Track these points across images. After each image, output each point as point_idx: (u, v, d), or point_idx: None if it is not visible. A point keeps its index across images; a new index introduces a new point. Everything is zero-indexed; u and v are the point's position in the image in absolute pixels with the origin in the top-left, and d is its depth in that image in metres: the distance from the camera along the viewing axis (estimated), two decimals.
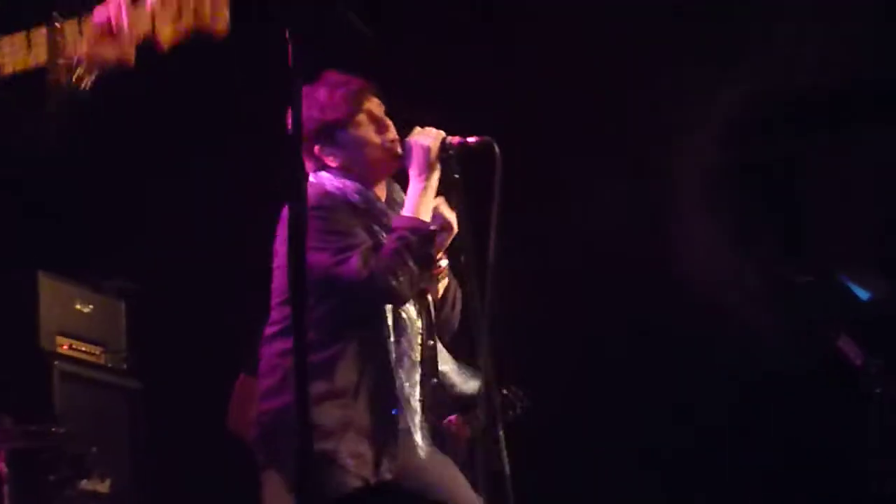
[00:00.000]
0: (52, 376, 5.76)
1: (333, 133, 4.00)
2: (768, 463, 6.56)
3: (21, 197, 6.21)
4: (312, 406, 3.69)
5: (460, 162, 3.95)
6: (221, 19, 3.03)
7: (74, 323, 6.01)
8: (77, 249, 6.37)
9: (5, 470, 4.94)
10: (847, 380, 5.55)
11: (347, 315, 3.88)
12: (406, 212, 3.93)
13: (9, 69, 3.04)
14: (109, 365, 6.16)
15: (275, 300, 3.98)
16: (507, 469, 3.76)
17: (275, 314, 3.97)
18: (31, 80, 3.06)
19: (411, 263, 3.81)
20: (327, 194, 3.94)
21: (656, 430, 6.51)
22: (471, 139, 3.95)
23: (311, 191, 3.91)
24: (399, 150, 4.01)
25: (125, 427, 6.13)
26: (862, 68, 6.36)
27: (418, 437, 3.95)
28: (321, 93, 4.01)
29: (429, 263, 3.90)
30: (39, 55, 3.03)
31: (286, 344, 3.80)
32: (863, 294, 5.90)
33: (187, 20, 2.98)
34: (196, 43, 2.91)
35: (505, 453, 3.76)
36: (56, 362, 5.81)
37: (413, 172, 3.95)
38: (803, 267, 5.35)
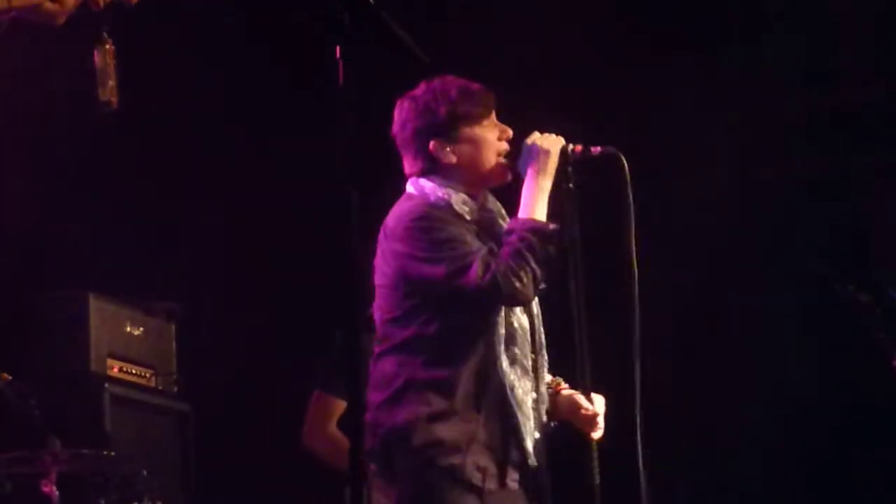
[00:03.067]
0: (102, 399, 5.76)
1: (458, 128, 3.91)
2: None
3: (73, 219, 6.23)
4: (436, 422, 3.76)
5: (578, 171, 3.89)
6: None
7: (125, 345, 6.01)
8: (127, 272, 6.37)
9: (56, 493, 4.92)
10: None
11: (466, 328, 3.83)
12: (522, 213, 3.85)
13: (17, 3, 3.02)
14: (160, 387, 6.16)
15: (382, 317, 3.92)
16: (598, 479, 3.79)
17: (383, 332, 3.91)
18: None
19: (533, 264, 3.74)
20: (432, 204, 3.87)
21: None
22: (594, 148, 3.90)
23: (412, 202, 3.90)
24: (503, 168, 3.95)
25: (175, 450, 6.12)
26: None
27: (529, 445, 3.89)
28: (452, 88, 3.94)
29: (549, 263, 3.81)
30: None
31: (399, 360, 3.82)
32: None
33: None
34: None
35: (597, 464, 3.78)
36: (106, 385, 5.81)
37: (529, 174, 3.88)
38: (860, 285, 5.28)
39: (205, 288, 6.64)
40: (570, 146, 3.90)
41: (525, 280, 3.73)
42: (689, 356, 6.50)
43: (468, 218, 3.88)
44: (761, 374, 6.44)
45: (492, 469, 3.81)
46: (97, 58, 3.07)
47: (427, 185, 3.92)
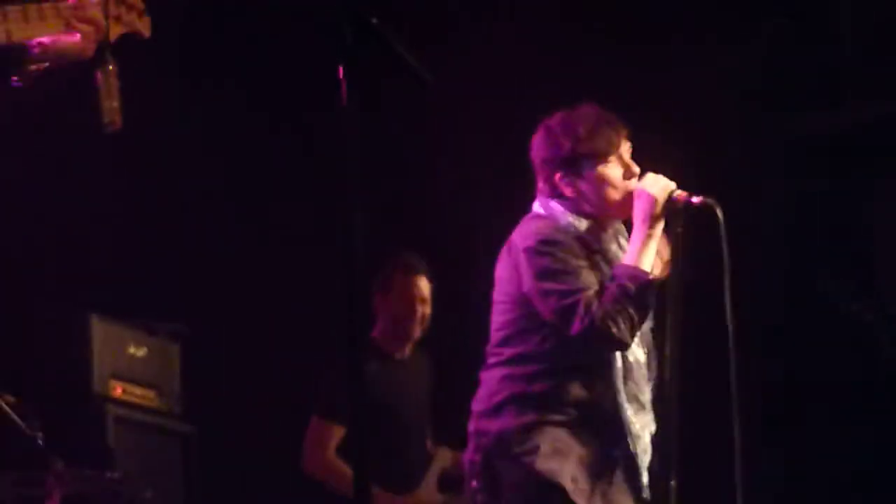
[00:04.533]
0: (105, 420, 5.74)
1: (581, 164, 4.01)
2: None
3: (75, 239, 6.22)
4: (533, 431, 3.87)
5: (683, 217, 3.96)
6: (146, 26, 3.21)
7: (128, 366, 5.98)
8: (130, 292, 6.36)
9: None
10: None
11: (575, 352, 3.92)
12: (627, 260, 3.95)
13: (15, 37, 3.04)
14: (163, 409, 6.13)
15: (497, 332, 4.04)
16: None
17: (496, 346, 4.04)
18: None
19: (631, 311, 3.83)
20: (559, 229, 3.97)
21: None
22: (695, 198, 3.97)
23: (541, 222, 4.01)
24: (624, 211, 4.03)
25: (179, 471, 6.09)
26: None
27: (644, 479, 3.98)
28: (580, 124, 4.03)
29: (647, 311, 3.92)
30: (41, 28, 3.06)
31: (505, 372, 3.95)
32: None
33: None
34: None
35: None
36: (109, 406, 5.79)
37: (637, 220, 3.96)
38: (870, 301, 5.28)
39: (209, 309, 6.62)
40: (675, 192, 3.97)
41: (622, 326, 3.83)
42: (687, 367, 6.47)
43: (594, 246, 3.99)
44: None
45: (584, 485, 3.89)
46: (99, 78, 3.06)
47: (557, 208, 4.02)
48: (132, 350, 6.03)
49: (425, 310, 5.48)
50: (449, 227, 6.37)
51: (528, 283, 3.90)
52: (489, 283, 4.14)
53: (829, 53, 6.42)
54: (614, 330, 3.80)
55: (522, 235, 3.99)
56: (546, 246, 3.91)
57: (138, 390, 6.00)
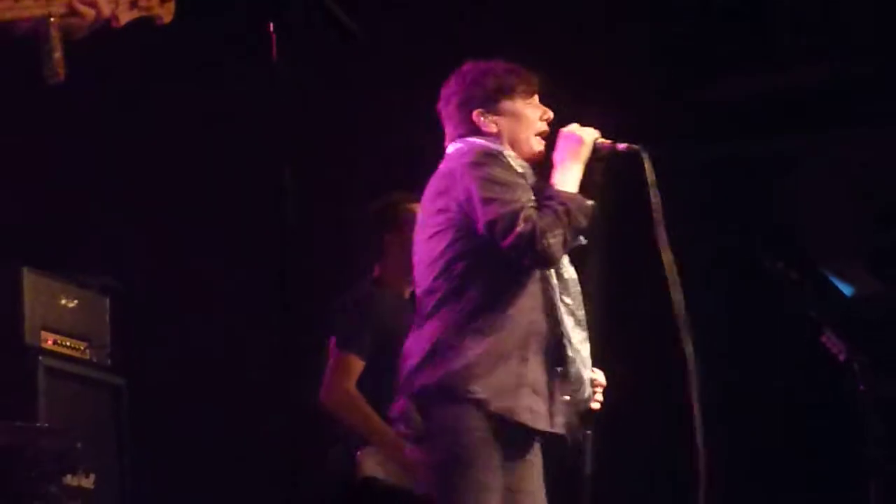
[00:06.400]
0: (36, 371, 5.73)
1: (500, 100, 4.07)
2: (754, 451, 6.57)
3: (6, 191, 6.20)
4: (488, 365, 3.85)
5: (606, 166, 4.01)
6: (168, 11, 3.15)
7: (59, 318, 5.98)
8: (62, 244, 6.35)
9: None
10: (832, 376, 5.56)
11: (511, 275, 3.93)
12: (558, 187, 3.96)
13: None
14: (94, 360, 6.13)
15: (427, 273, 4.02)
16: (589, 468, 3.94)
17: (427, 288, 4.01)
18: None
19: (566, 229, 3.86)
20: (488, 149, 3.99)
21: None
22: (620, 145, 4.02)
23: (466, 149, 4.01)
24: (540, 145, 4.07)
25: (109, 422, 6.10)
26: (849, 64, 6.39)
27: (587, 392, 4.03)
28: (500, 65, 4.10)
29: (580, 234, 3.94)
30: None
31: (445, 313, 3.92)
32: (846, 290, 5.92)
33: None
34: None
35: (590, 452, 3.93)
36: (40, 357, 5.78)
37: (559, 158, 4.00)
38: (790, 262, 5.35)
39: (139, 262, 6.63)
40: (600, 141, 4.02)
41: (555, 241, 3.84)
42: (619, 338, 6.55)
43: (519, 170, 4.00)
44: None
45: (542, 411, 3.92)
46: (42, 30, 3.05)
47: (478, 140, 4.04)
48: (63, 302, 6.03)
49: None
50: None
51: (466, 192, 3.90)
52: None
53: (752, 18, 6.48)
54: (546, 243, 3.81)
55: (456, 156, 4.02)
56: (486, 157, 3.94)
57: (69, 342, 6.00)
